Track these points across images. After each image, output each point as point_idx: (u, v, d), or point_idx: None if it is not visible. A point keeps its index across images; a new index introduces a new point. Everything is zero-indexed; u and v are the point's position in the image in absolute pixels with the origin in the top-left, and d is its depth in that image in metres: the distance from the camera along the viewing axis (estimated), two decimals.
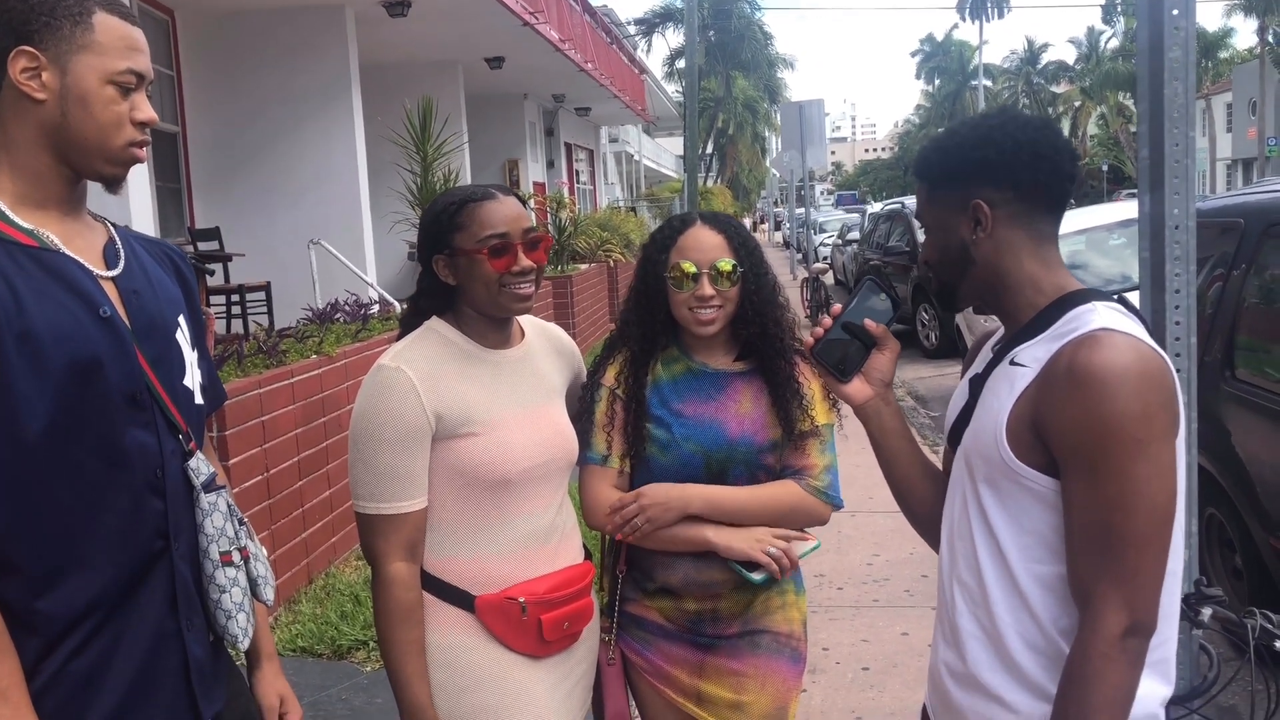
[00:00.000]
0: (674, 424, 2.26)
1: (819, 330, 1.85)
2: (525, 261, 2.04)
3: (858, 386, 1.86)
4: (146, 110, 1.58)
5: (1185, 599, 2.16)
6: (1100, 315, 1.54)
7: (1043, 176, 1.63)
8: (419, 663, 1.98)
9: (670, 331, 2.32)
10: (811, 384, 2.31)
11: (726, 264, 2.22)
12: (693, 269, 2.22)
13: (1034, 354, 1.57)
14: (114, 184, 1.61)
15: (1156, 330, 2.25)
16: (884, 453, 1.88)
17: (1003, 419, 1.56)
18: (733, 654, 2.28)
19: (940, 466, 1.89)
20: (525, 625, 2.03)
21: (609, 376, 2.31)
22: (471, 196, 2.07)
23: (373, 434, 1.97)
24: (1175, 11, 2.12)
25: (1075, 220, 8.14)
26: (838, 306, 1.86)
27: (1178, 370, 2.26)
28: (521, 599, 2.02)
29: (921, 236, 1.85)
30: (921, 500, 1.87)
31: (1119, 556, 1.47)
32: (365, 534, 2.01)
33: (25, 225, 1.52)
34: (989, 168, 1.63)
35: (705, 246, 2.24)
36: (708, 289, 2.21)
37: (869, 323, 1.85)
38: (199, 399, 1.72)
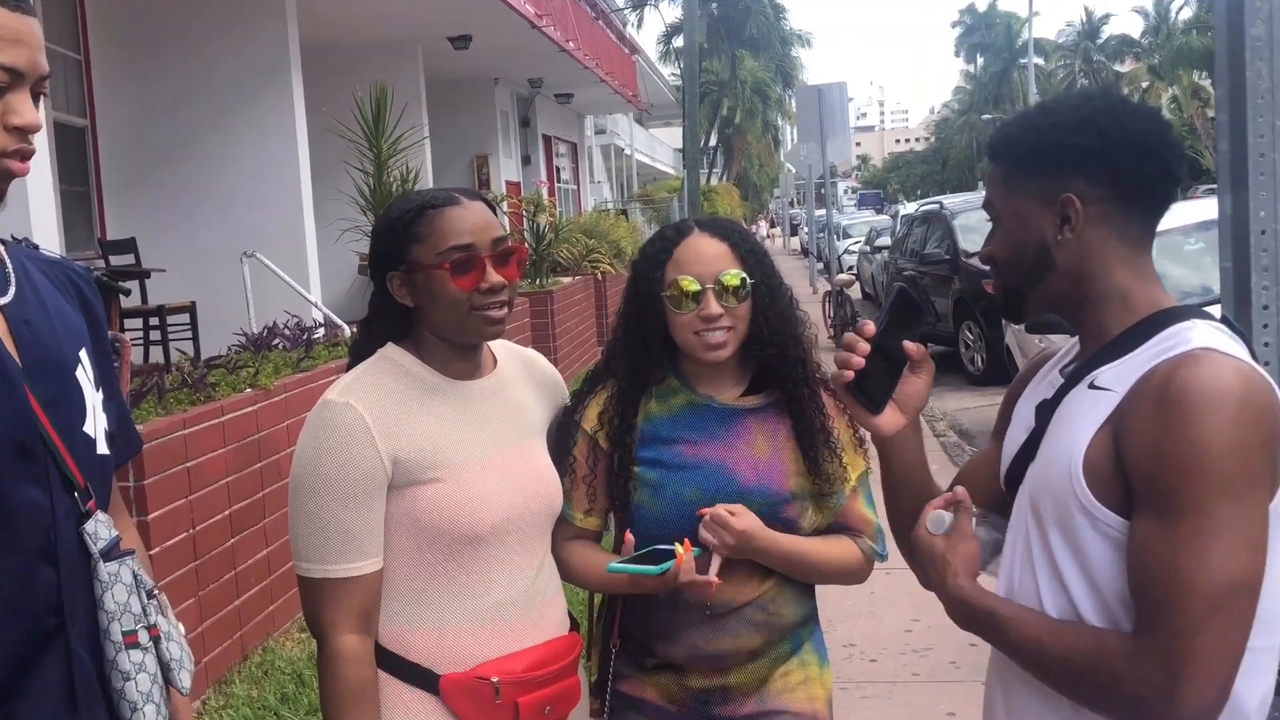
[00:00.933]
0: (670, 465, 2.26)
1: (856, 359, 1.79)
2: (495, 278, 2.02)
3: (890, 416, 1.84)
4: (25, 113, 1.53)
5: None
6: (1201, 333, 1.55)
7: (1150, 174, 1.63)
8: None
9: (666, 361, 2.33)
10: (838, 420, 2.32)
11: (734, 276, 2.23)
12: (695, 285, 2.22)
13: (1120, 375, 1.57)
14: None
15: None
16: (901, 489, 1.88)
17: (1079, 450, 1.56)
18: None
19: None
20: (499, 710, 2.01)
21: (590, 417, 2.31)
22: (431, 202, 2.06)
23: (318, 483, 1.97)
24: None
25: None
26: (870, 325, 1.82)
27: None
28: (494, 679, 2.01)
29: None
30: None
31: (1181, 609, 1.45)
32: (309, 601, 2.00)
33: None
34: (1089, 156, 1.63)
35: (707, 258, 2.24)
36: (714, 307, 2.21)
37: (908, 344, 1.81)
38: (102, 448, 1.69)
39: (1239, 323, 2.27)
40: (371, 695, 1.98)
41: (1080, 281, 1.66)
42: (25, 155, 1.56)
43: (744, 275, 2.24)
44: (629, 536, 2.16)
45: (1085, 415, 1.59)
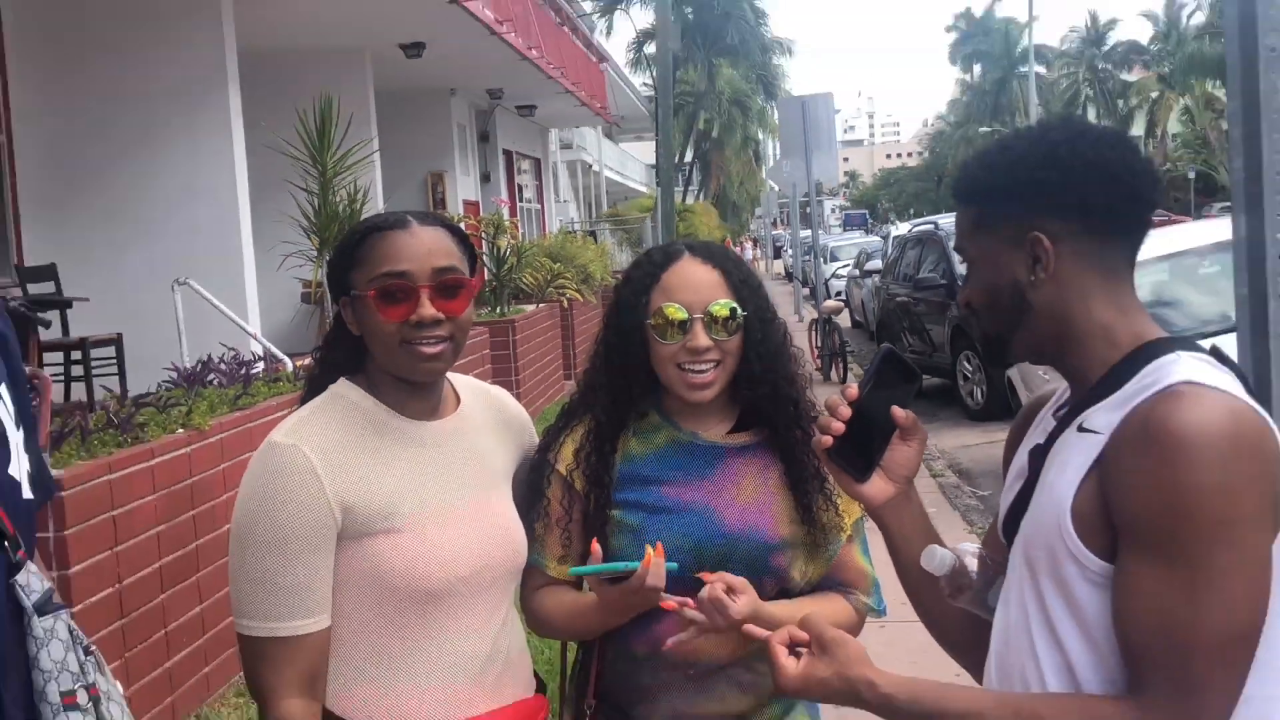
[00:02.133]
0: (651, 509, 2.26)
1: (836, 424, 1.81)
2: (427, 310, 2.00)
3: (878, 485, 1.86)
4: None
5: None
6: (1185, 366, 1.57)
7: (1119, 204, 1.67)
8: None
9: (649, 395, 2.34)
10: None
11: (724, 307, 2.23)
12: (682, 314, 2.23)
13: (1107, 417, 1.59)
14: None
15: (1259, 384, 2.28)
16: (904, 559, 1.89)
17: (1069, 497, 1.59)
18: None
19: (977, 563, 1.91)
20: None
21: (565, 456, 2.32)
22: (378, 225, 2.08)
23: (261, 533, 1.96)
24: None
25: (1156, 244, 8.26)
26: (853, 388, 1.84)
27: None
28: None
29: (961, 266, 1.88)
30: (948, 613, 1.88)
31: (1182, 664, 1.48)
32: (250, 662, 2.00)
33: None
34: (1052, 193, 1.66)
35: (697, 285, 2.25)
36: (703, 339, 2.21)
37: (896, 410, 1.84)
38: (27, 493, 1.70)
39: (1256, 351, 2.32)
40: None
41: (1060, 322, 1.69)
42: None
43: (735, 306, 2.24)
44: (595, 545, 2.13)
45: (1074, 460, 1.61)
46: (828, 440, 1.83)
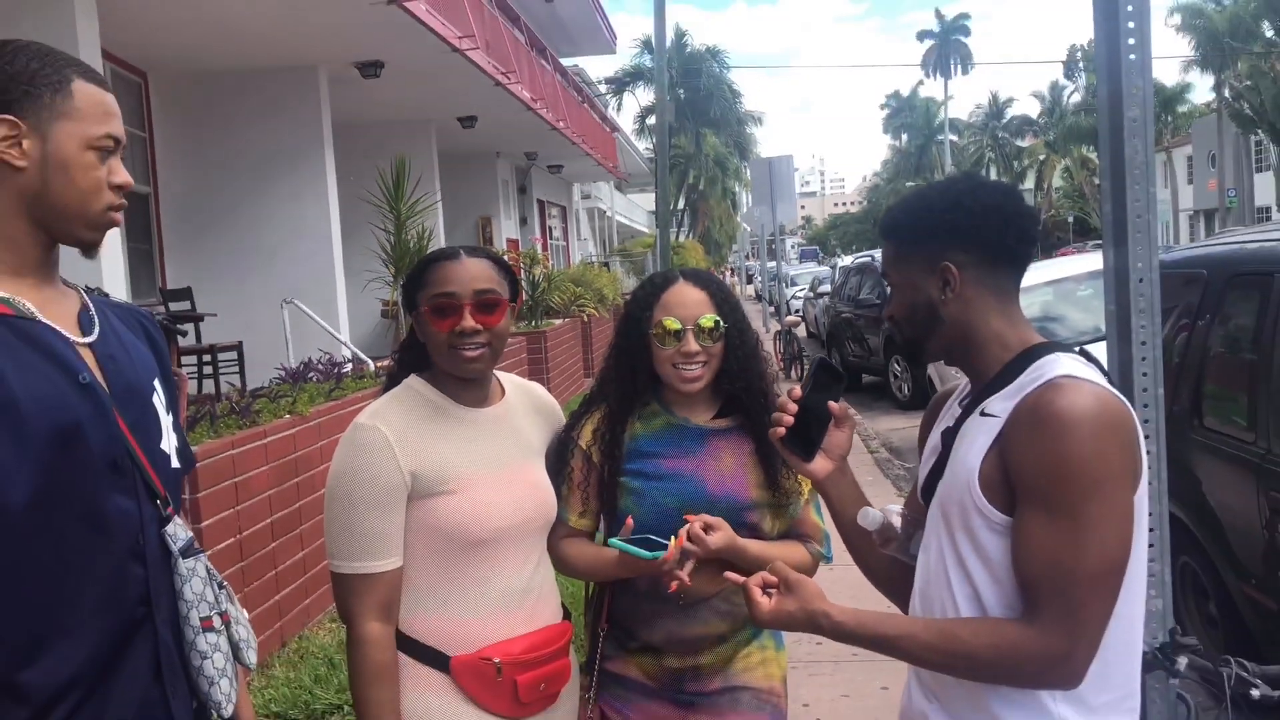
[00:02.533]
0: (650, 476, 2.26)
1: (786, 418, 1.85)
2: (469, 323, 2.03)
3: (820, 463, 1.89)
4: (123, 174, 1.60)
5: (1160, 648, 2.18)
6: (1063, 364, 1.60)
7: (1009, 239, 1.69)
8: None
9: (651, 388, 2.34)
10: None
11: (710, 320, 2.24)
12: (677, 326, 2.24)
13: (1003, 404, 1.61)
14: (91, 249, 1.62)
15: (1124, 381, 2.28)
16: (843, 519, 1.91)
17: (976, 466, 1.61)
18: (714, 711, 2.28)
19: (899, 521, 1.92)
20: (500, 686, 2.02)
21: (585, 434, 2.32)
22: (438, 256, 2.11)
23: (349, 493, 1.98)
24: (1133, 68, 2.18)
25: (1044, 272, 8.24)
26: (797, 389, 1.87)
27: (1145, 420, 2.29)
28: (497, 660, 2.01)
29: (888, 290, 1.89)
30: (879, 559, 1.90)
31: (1066, 593, 1.51)
32: (340, 593, 2.01)
33: (2, 294, 1.52)
34: (958, 231, 1.68)
35: (689, 303, 2.26)
36: (693, 345, 2.23)
37: (832, 404, 1.88)
38: (175, 463, 1.71)
39: (1122, 356, 2.31)
40: (391, 674, 1.98)
41: (964, 330, 1.71)
42: (121, 209, 1.62)
43: (719, 319, 2.25)
44: (629, 522, 2.15)
45: (979, 438, 1.63)
46: (780, 431, 1.86)
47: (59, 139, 1.53)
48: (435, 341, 2.06)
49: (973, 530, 1.62)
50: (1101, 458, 1.50)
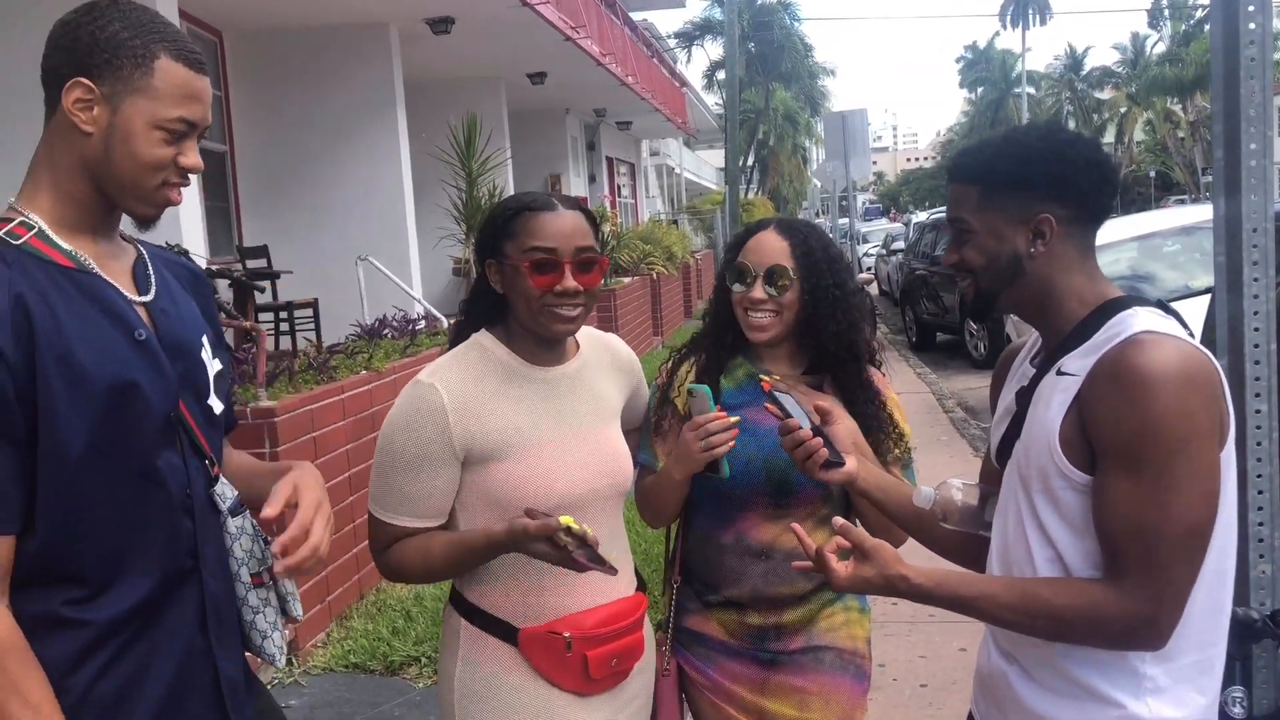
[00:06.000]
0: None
1: (822, 449, 1.88)
2: (570, 283, 1.90)
3: (850, 461, 1.91)
4: (192, 157, 1.58)
5: (1271, 616, 2.09)
6: (1142, 319, 1.56)
7: (1104, 195, 1.66)
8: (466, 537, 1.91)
9: (740, 337, 2.27)
10: (887, 394, 2.27)
11: (781, 269, 2.17)
12: (748, 270, 2.19)
13: (1081, 362, 1.58)
14: (145, 223, 1.61)
15: (1234, 336, 2.19)
16: (891, 506, 1.93)
17: (1055, 427, 1.57)
18: (797, 670, 2.24)
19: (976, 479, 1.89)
20: (570, 661, 1.92)
21: (676, 386, 2.29)
22: (530, 204, 1.95)
23: (391, 448, 1.92)
24: (1251, 8, 2.06)
25: (1126, 227, 7.99)
26: (793, 423, 1.91)
27: (1256, 378, 2.20)
28: (566, 634, 1.91)
29: None
30: (945, 534, 1.88)
31: (1151, 553, 1.49)
32: (371, 530, 1.98)
33: (65, 246, 1.54)
34: (1063, 184, 1.63)
35: (766, 250, 2.20)
36: (759, 292, 2.17)
37: (818, 403, 1.90)
38: (218, 419, 1.71)
39: (1232, 309, 2.20)
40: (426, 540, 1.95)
41: (1045, 285, 1.66)
42: (180, 187, 1.60)
43: (789, 270, 2.17)
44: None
45: (1056, 397, 1.59)
46: (823, 455, 1.89)
47: (128, 113, 1.52)
48: (528, 298, 1.91)
49: (1053, 491, 1.59)
50: (1185, 415, 1.47)
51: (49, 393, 1.44)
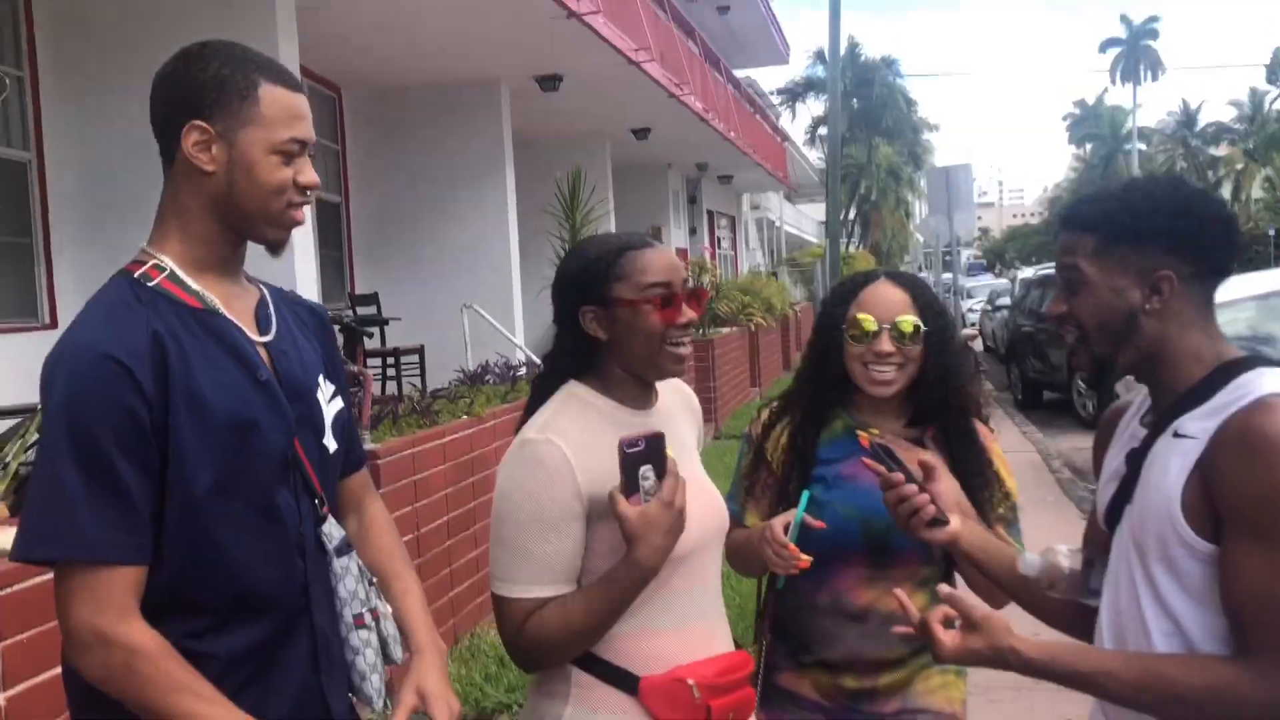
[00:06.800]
0: (830, 484, 2.15)
1: (930, 506, 1.82)
2: (689, 314, 1.85)
3: (955, 521, 1.84)
4: (309, 174, 1.63)
5: None
6: (1269, 380, 1.48)
7: (1229, 253, 1.59)
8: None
9: (840, 392, 2.23)
10: (994, 449, 2.21)
11: (908, 321, 2.12)
12: (873, 325, 2.13)
13: (1201, 424, 1.50)
14: (277, 247, 1.65)
15: None
16: (994, 569, 1.84)
17: (1176, 493, 1.49)
18: None
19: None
20: (695, 711, 1.80)
21: (771, 441, 2.26)
22: (630, 244, 1.88)
23: (517, 514, 1.78)
24: None
25: (1245, 285, 7.68)
26: (910, 487, 1.84)
27: None
28: (692, 681, 1.80)
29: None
30: (1050, 602, 1.78)
31: None
32: (499, 613, 1.84)
33: (194, 287, 1.59)
34: (1187, 240, 1.56)
35: (888, 301, 2.15)
36: (887, 345, 2.11)
37: (919, 461, 1.86)
38: (333, 460, 1.72)
39: None
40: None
41: (1161, 343, 1.58)
42: (303, 206, 1.65)
43: (918, 322, 2.13)
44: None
45: (1175, 460, 1.51)
46: (930, 511, 1.82)
47: (244, 145, 1.57)
48: (648, 336, 1.82)
49: (1173, 560, 1.50)
50: None
51: (179, 428, 1.49)
